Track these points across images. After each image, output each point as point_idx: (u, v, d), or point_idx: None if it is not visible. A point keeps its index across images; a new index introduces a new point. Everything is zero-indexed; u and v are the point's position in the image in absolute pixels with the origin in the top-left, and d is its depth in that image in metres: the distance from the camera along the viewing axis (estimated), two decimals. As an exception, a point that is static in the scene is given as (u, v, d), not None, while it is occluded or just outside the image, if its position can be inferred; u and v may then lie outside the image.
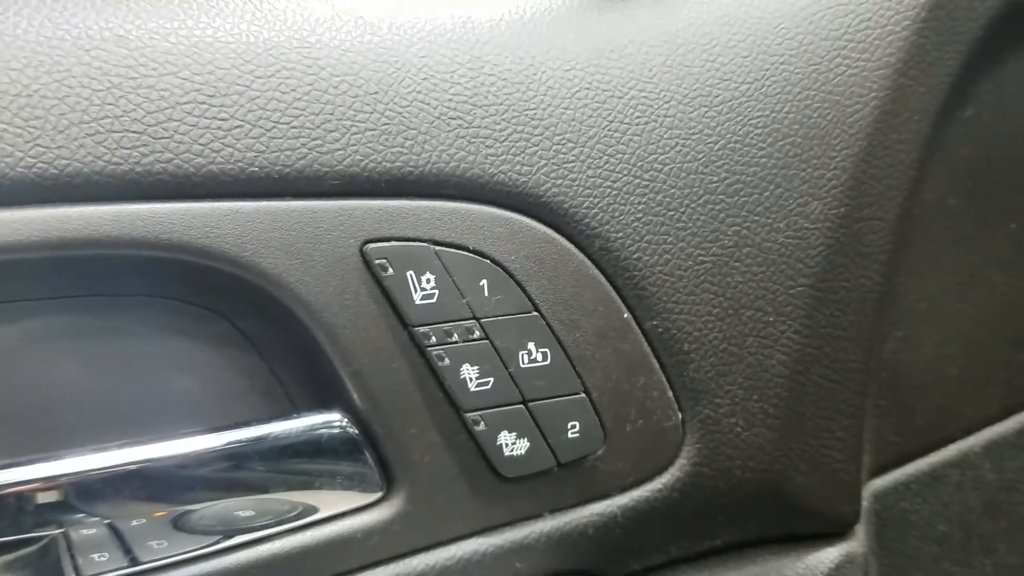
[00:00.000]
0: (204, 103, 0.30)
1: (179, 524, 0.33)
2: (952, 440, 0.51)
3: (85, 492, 0.31)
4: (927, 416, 0.49)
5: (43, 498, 0.31)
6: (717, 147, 0.37)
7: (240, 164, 0.30)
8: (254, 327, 0.34)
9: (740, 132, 0.37)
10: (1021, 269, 0.50)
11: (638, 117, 0.36)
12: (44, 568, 0.31)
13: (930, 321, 0.47)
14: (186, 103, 0.30)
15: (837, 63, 0.38)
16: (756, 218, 0.37)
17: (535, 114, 0.34)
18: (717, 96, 0.37)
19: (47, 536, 0.31)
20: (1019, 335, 0.51)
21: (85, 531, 0.32)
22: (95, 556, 0.32)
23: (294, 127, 0.31)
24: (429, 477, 0.35)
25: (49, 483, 0.31)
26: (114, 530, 0.32)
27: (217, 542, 0.33)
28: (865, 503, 0.46)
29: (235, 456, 0.33)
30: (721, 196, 0.37)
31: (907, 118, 0.39)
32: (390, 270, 0.32)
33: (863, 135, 0.38)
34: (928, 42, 0.39)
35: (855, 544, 0.44)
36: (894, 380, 0.46)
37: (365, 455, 0.34)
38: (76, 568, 0.32)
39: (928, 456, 0.50)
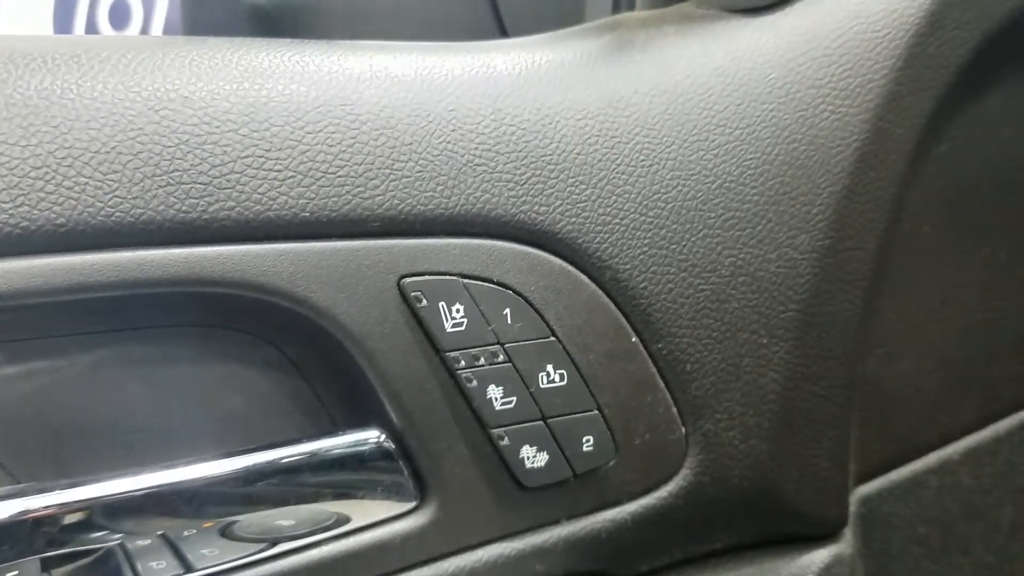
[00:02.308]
0: (262, 156, 0.33)
1: (230, 533, 0.35)
2: (931, 449, 0.53)
3: (143, 506, 0.34)
4: (907, 427, 0.51)
5: (105, 512, 0.33)
6: (714, 187, 0.40)
7: (293, 210, 0.33)
8: (299, 353, 0.37)
9: (735, 173, 0.40)
10: (993, 289, 0.52)
11: (643, 161, 0.39)
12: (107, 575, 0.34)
13: (909, 339, 0.49)
14: (246, 157, 0.33)
15: (821, 109, 0.41)
16: (750, 250, 0.40)
17: (551, 160, 0.38)
18: (713, 141, 0.40)
19: (107, 546, 0.34)
20: (992, 351, 0.54)
21: (142, 541, 0.34)
22: (153, 564, 0.35)
23: (340, 176, 0.34)
24: (458, 487, 0.37)
25: (110, 499, 0.33)
26: (168, 540, 0.35)
27: (266, 548, 0.35)
28: (852, 508, 0.48)
29: (284, 470, 0.36)
30: (718, 231, 0.40)
31: (885, 158, 0.42)
32: (424, 301, 0.35)
33: (845, 174, 0.41)
34: (904, 89, 0.41)
35: (843, 546, 0.47)
36: (877, 394, 0.48)
37: (401, 467, 0.37)
38: (136, 574, 0.35)
39: (909, 464, 0.52)
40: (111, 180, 0.31)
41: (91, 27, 1.25)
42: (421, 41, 0.41)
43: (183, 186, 0.32)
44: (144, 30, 1.23)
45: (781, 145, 0.40)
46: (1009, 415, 0.56)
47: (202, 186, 0.32)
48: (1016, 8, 0.44)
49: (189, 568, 0.35)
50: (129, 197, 0.31)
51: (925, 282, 0.49)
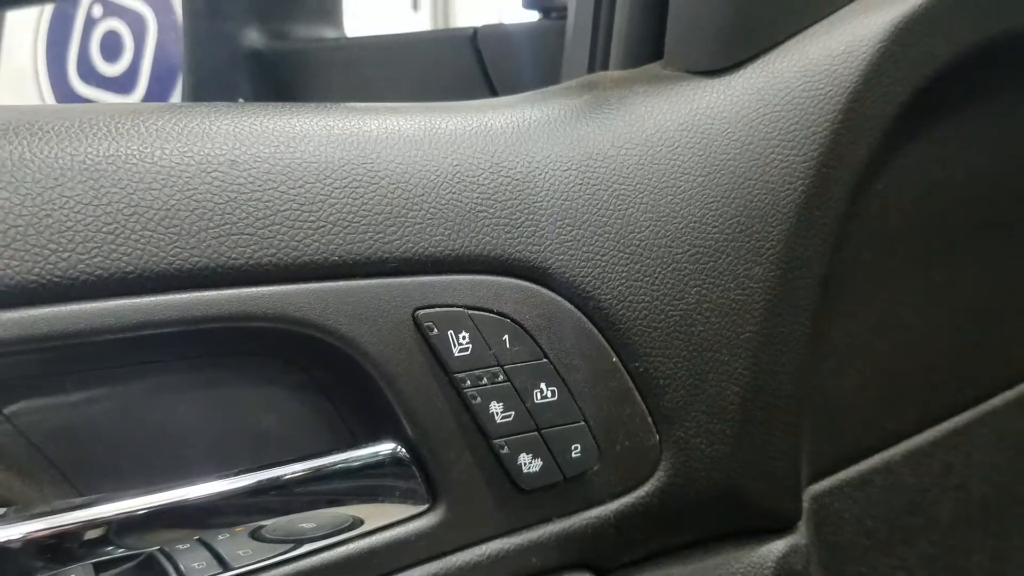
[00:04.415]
0: (298, 210, 0.38)
1: (264, 536, 0.40)
2: (876, 451, 0.58)
3: (189, 514, 0.39)
4: (853, 431, 0.56)
5: (156, 519, 0.38)
6: (681, 227, 0.45)
7: (324, 254, 0.39)
8: (325, 376, 0.42)
9: (698, 214, 0.45)
10: (928, 308, 0.58)
11: (619, 205, 0.44)
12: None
13: (853, 354, 0.54)
14: (285, 211, 0.38)
15: (772, 158, 0.46)
16: (712, 280, 0.45)
17: (541, 206, 0.43)
18: (679, 187, 0.45)
19: (156, 550, 0.38)
20: (928, 363, 0.59)
21: (186, 544, 0.38)
22: (195, 564, 0.39)
23: (363, 224, 0.39)
24: (465, 491, 0.42)
25: (161, 507, 0.38)
26: (208, 544, 0.39)
27: (296, 548, 0.40)
28: (805, 504, 0.53)
29: (313, 479, 0.40)
30: (685, 264, 0.45)
31: (828, 198, 0.47)
32: (435, 330, 0.40)
33: (793, 214, 0.46)
34: (843, 139, 0.47)
35: (798, 537, 0.51)
36: (825, 403, 0.53)
37: (414, 474, 0.42)
38: (180, 573, 0.39)
39: (856, 464, 0.57)
40: (171, 233, 0.36)
41: (84, 58, 1.29)
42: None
43: (232, 237, 0.37)
44: (135, 62, 1.27)
45: (737, 190, 0.46)
46: (944, 420, 0.62)
47: (248, 236, 0.37)
48: (941, 66, 0.50)
49: (227, 567, 0.39)
50: (187, 247, 0.36)
51: (867, 304, 0.55)
